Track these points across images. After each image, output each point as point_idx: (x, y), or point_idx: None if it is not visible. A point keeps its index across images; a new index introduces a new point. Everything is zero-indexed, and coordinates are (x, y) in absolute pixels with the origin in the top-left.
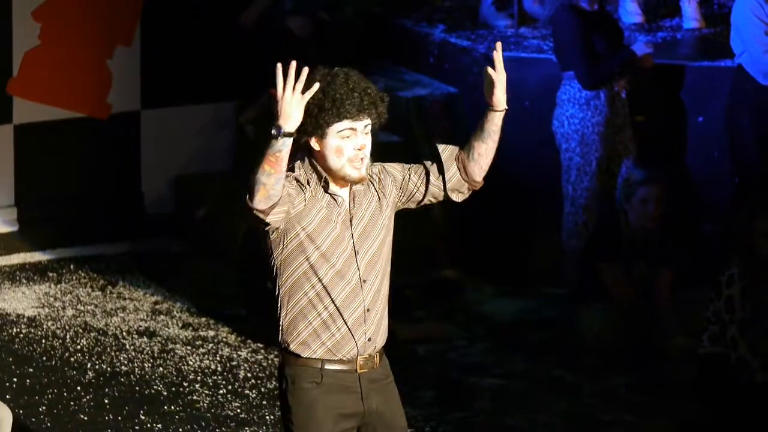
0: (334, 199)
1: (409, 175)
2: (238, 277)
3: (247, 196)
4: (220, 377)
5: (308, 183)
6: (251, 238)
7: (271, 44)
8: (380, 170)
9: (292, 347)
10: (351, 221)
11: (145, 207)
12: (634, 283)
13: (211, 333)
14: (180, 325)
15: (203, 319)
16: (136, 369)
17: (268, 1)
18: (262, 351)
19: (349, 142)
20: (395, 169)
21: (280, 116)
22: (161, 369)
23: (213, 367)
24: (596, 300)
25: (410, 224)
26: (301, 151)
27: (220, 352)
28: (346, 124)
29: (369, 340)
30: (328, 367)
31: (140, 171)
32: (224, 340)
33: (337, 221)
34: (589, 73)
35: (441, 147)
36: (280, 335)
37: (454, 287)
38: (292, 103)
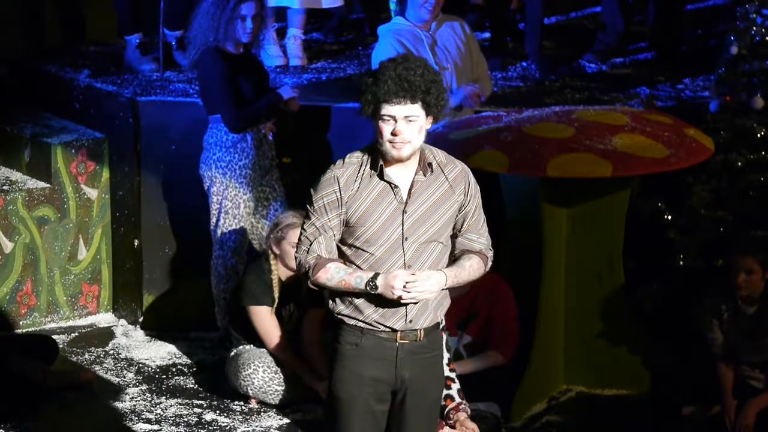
0: (390, 187)
1: (465, 211)
2: None
3: (309, 279)
4: None
5: (360, 168)
6: None
7: None
8: (461, 172)
9: None
10: (405, 210)
11: None
12: (285, 325)
13: None
14: None
15: None
16: None
17: None
18: None
19: (387, 125)
20: (472, 195)
21: (383, 288)
22: None
23: None
24: (249, 342)
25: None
26: None
27: None
28: (383, 108)
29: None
30: None
31: None
32: None
33: (387, 209)
34: (235, 116)
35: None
36: None
37: (104, 332)
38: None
